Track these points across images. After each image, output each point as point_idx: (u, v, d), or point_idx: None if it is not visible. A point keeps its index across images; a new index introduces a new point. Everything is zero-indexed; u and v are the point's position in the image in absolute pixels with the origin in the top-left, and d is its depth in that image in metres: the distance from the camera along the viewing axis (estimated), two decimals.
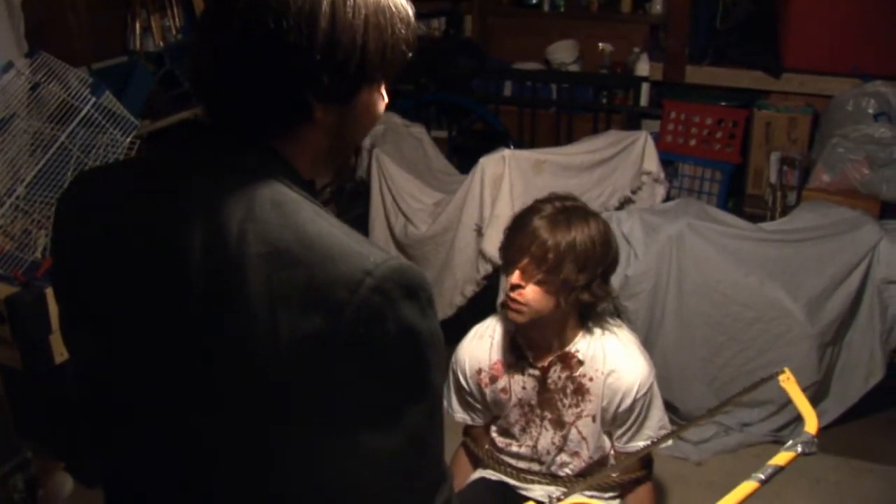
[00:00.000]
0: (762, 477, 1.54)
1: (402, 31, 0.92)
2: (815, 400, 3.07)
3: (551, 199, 1.86)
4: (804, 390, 2.91)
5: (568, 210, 1.81)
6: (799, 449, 1.59)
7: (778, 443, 3.05)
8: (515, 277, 1.79)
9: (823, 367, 2.99)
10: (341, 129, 0.94)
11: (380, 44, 0.90)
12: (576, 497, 1.51)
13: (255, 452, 0.85)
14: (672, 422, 3.16)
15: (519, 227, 1.82)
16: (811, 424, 1.65)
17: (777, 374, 1.83)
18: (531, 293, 1.78)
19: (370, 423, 0.82)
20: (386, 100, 0.98)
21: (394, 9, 0.92)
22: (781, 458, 1.58)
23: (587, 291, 1.78)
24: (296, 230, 0.82)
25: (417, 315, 0.83)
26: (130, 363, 0.90)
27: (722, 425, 3.10)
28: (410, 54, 0.94)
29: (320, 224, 0.84)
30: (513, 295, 1.79)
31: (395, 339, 0.81)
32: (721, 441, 3.05)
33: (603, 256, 1.79)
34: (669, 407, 3.11)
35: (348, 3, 0.87)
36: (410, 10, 0.95)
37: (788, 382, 1.79)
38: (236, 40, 0.86)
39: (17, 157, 2.78)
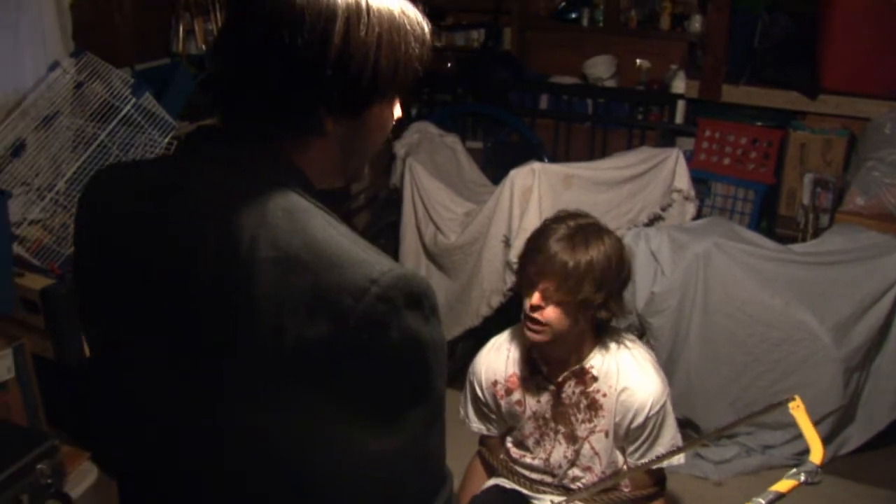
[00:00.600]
0: (762, 502, 1.54)
1: (416, 49, 0.95)
2: (840, 425, 3.05)
3: (563, 217, 1.88)
4: (828, 415, 2.92)
5: (583, 228, 1.83)
6: (802, 478, 1.60)
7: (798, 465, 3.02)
8: (535, 299, 1.81)
9: (849, 392, 2.97)
10: (352, 142, 0.97)
11: (392, 61, 0.92)
12: None
13: (257, 449, 0.87)
14: (690, 439, 3.17)
15: (536, 248, 1.83)
16: (816, 455, 1.66)
17: (787, 400, 1.83)
18: (551, 313, 1.80)
19: (372, 426, 0.84)
20: (399, 114, 1.00)
21: (408, 27, 0.94)
22: (783, 485, 1.59)
23: (604, 308, 1.80)
24: (305, 237, 0.85)
25: (421, 323, 0.86)
26: (139, 357, 0.93)
27: (744, 446, 3.08)
28: (422, 70, 0.97)
29: (329, 232, 0.86)
30: (534, 315, 1.81)
31: (398, 346, 0.84)
32: (742, 462, 3.04)
33: (618, 273, 1.82)
34: (691, 425, 3.10)
35: (363, 20, 0.89)
36: (426, 27, 0.97)
37: (798, 410, 1.79)
38: (252, 53, 0.89)
39: (59, 154, 2.86)
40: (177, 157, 0.99)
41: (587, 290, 1.76)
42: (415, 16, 0.96)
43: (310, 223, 0.86)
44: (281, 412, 0.84)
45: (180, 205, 0.91)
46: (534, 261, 1.82)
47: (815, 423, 2.91)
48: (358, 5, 0.89)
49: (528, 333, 1.83)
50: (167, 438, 0.94)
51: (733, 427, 1.99)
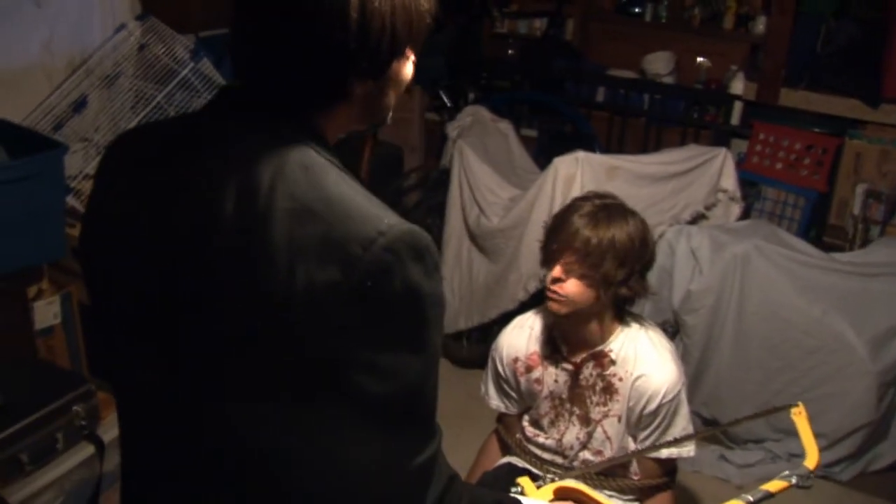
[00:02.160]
0: (750, 499, 1.56)
1: (426, 4, 1.01)
2: (872, 441, 3.01)
3: (590, 197, 1.93)
4: (859, 428, 2.89)
5: (608, 207, 1.87)
6: (794, 480, 1.62)
7: (826, 478, 2.99)
8: (557, 271, 1.85)
9: (883, 407, 2.93)
10: (374, 100, 1.02)
11: (407, 21, 0.97)
12: (568, 481, 1.55)
13: (262, 387, 0.92)
14: (718, 441, 3.16)
15: (560, 223, 1.88)
16: (811, 460, 1.68)
17: (789, 406, 1.84)
18: (572, 286, 1.83)
19: (367, 369, 0.89)
20: (413, 60, 1.05)
21: None
22: (774, 485, 1.61)
23: (625, 286, 1.84)
24: (320, 190, 0.91)
25: (422, 276, 0.91)
26: (156, 303, 0.97)
27: (770, 452, 3.06)
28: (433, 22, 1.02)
29: (342, 187, 0.92)
30: (554, 287, 1.86)
31: (400, 294, 0.89)
32: (766, 468, 3.01)
33: (641, 253, 1.85)
34: (719, 426, 3.09)
35: None
36: None
37: (800, 417, 1.80)
38: (274, 39, 0.93)
39: (118, 112, 2.96)
40: (202, 116, 1.04)
41: (608, 266, 1.80)
42: None
43: (325, 178, 0.92)
44: (286, 349, 0.89)
45: (202, 161, 0.96)
46: (557, 235, 1.87)
47: (845, 436, 2.91)
48: None
49: (550, 304, 1.88)
50: (178, 381, 0.98)
51: (732, 425, 2.00)
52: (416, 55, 1.04)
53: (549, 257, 1.90)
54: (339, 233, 0.88)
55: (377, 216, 0.90)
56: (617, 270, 1.81)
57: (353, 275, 0.86)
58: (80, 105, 2.90)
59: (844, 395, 2.89)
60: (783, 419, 2.94)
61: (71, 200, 2.68)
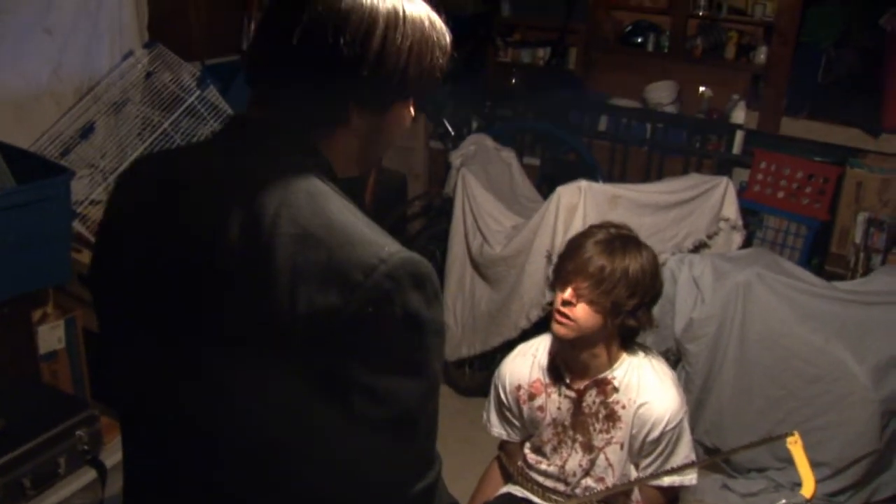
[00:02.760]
0: None
1: (440, 60, 1.05)
2: (875, 471, 2.99)
3: (606, 225, 1.95)
4: (863, 457, 2.88)
5: (624, 237, 1.90)
6: None
7: None
8: (568, 294, 1.87)
9: (886, 436, 2.91)
10: (373, 135, 1.05)
11: (419, 68, 1.02)
12: None
13: (259, 410, 0.93)
14: (720, 470, 3.15)
15: (576, 248, 1.90)
16: (808, 489, 1.70)
17: (785, 435, 1.85)
18: (581, 311, 1.85)
19: (366, 393, 0.90)
20: (413, 114, 1.09)
21: (435, 39, 1.04)
22: None
23: (633, 317, 1.85)
24: (323, 217, 0.93)
25: (422, 303, 0.93)
26: (161, 323, 1.00)
27: (773, 481, 3.05)
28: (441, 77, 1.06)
29: (345, 214, 0.95)
30: (563, 310, 1.87)
31: (400, 321, 0.91)
32: (769, 497, 3.00)
33: (651, 285, 1.87)
34: (717, 454, 3.08)
35: (399, 28, 0.99)
36: (448, 38, 1.06)
37: (795, 446, 1.82)
38: (296, 48, 0.97)
39: (125, 139, 2.99)
40: (210, 144, 1.08)
41: (619, 294, 1.83)
42: (440, 27, 1.05)
43: (329, 205, 0.95)
44: (285, 374, 0.90)
45: (211, 185, 0.99)
46: (571, 259, 1.89)
47: (849, 465, 2.90)
48: (396, 14, 0.99)
49: (556, 326, 1.89)
50: (181, 397, 1.00)
51: (730, 454, 2.00)
52: (418, 105, 1.08)
53: (561, 280, 1.91)
54: (340, 259, 0.89)
55: (378, 243, 0.92)
56: (627, 300, 1.83)
57: (354, 301, 0.88)
58: (87, 131, 2.93)
59: (847, 423, 2.88)
60: (786, 449, 2.95)
61: (77, 226, 2.71)
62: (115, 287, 1.07)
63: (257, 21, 3.95)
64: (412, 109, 1.08)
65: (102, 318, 1.12)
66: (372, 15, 0.97)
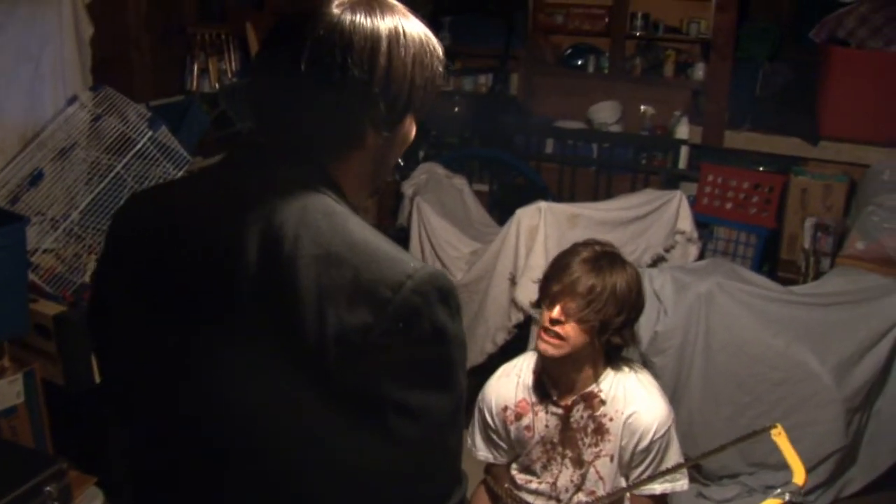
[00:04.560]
0: None
1: (439, 68, 1.06)
2: (843, 467, 3.05)
3: (591, 243, 1.97)
4: (830, 455, 2.93)
5: (609, 255, 1.92)
6: (787, 497, 1.66)
7: None
8: (556, 313, 1.87)
9: (851, 433, 2.98)
10: (384, 154, 1.06)
11: (423, 78, 1.03)
12: None
13: (290, 431, 0.92)
14: (693, 479, 3.17)
15: (563, 266, 1.91)
16: (799, 476, 1.73)
17: (769, 427, 1.88)
18: (570, 329, 1.85)
19: (399, 409, 0.90)
20: (415, 128, 1.09)
21: (432, 48, 1.05)
22: (769, 503, 1.63)
23: (619, 334, 1.86)
24: (344, 236, 0.93)
25: (448, 318, 0.93)
26: (182, 355, 0.98)
27: (746, 486, 3.09)
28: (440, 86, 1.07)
29: (366, 233, 0.95)
30: (552, 329, 1.87)
31: (428, 336, 0.91)
32: (744, 502, 3.04)
33: (636, 301, 1.89)
34: (693, 465, 3.11)
35: (401, 42, 1.00)
36: (441, 50, 1.07)
37: (780, 437, 1.85)
38: (306, 72, 0.97)
39: (74, 185, 2.92)
40: (218, 169, 1.06)
41: (607, 312, 1.83)
42: (434, 40, 1.07)
43: (348, 224, 0.95)
44: (316, 395, 0.89)
45: (224, 211, 0.98)
46: (559, 278, 1.89)
47: (818, 464, 2.95)
48: (397, 29, 1.01)
49: (543, 346, 1.88)
50: (207, 425, 0.98)
51: (716, 453, 2.03)
52: (420, 116, 1.08)
53: (548, 299, 1.91)
54: (367, 277, 0.89)
55: (402, 260, 0.92)
56: (615, 317, 1.84)
57: (384, 317, 0.88)
58: (35, 178, 2.86)
59: (814, 423, 2.93)
60: (757, 452, 3.00)
61: (30, 275, 2.63)
62: (124, 321, 1.04)
63: (200, 62, 3.93)
64: (414, 121, 1.09)
65: (110, 355, 1.08)
66: (375, 33, 0.98)
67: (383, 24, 1.00)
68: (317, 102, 0.98)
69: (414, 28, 1.04)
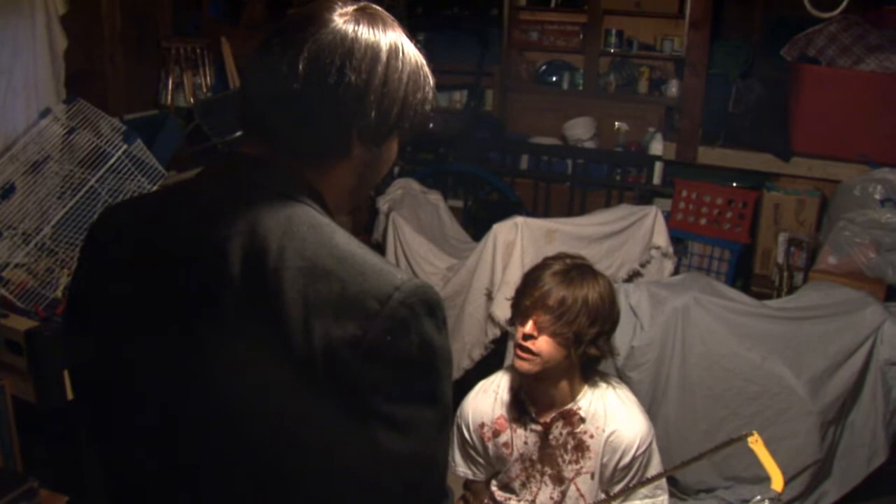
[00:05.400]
0: None
1: (430, 94, 1.06)
2: (817, 480, 3.07)
3: (561, 256, 1.96)
4: (806, 468, 2.95)
5: (580, 267, 1.91)
6: None
7: None
8: (529, 328, 1.86)
9: (825, 445, 3.00)
10: (367, 170, 1.05)
11: (415, 98, 1.03)
12: None
13: (275, 447, 0.90)
14: (671, 494, 3.17)
15: (534, 281, 1.90)
16: (777, 483, 1.75)
17: (745, 435, 1.89)
18: (543, 344, 1.84)
19: (386, 422, 0.89)
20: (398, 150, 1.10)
21: (426, 72, 1.06)
22: None
23: (594, 346, 1.85)
24: (331, 249, 0.92)
25: (435, 331, 0.93)
26: (162, 367, 0.96)
27: (722, 500, 3.09)
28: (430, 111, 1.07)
29: (352, 245, 0.94)
30: (525, 344, 1.86)
31: (416, 348, 0.90)
32: None
33: (610, 312, 1.88)
34: (670, 479, 3.11)
35: (400, 57, 1.01)
36: (432, 79, 1.08)
37: (757, 444, 1.86)
38: (303, 77, 0.96)
39: (46, 199, 2.88)
40: (199, 179, 1.04)
41: (580, 324, 1.83)
42: (427, 68, 1.07)
43: (334, 237, 0.94)
44: (303, 409, 0.88)
45: (205, 222, 0.96)
46: (530, 293, 1.89)
47: (793, 477, 2.97)
48: (397, 45, 1.01)
49: (518, 363, 1.87)
50: (187, 439, 0.96)
51: (695, 461, 2.03)
52: (405, 137, 1.08)
53: (521, 314, 1.90)
54: (355, 289, 0.88)
55: (390, 272, 0.92)
56: (588, 329, 1.83)
57: (372, 329, 0.87)
58: (7, 192, 2.82)
59: (789, 437, 2.95)
60: (733, 466, 3.01)
61: (1, 290, 2.59)
62: (104, 332, 1.02)
63: (174, 76, 3.91)
64: (398, 143, 1.08)
65: (88, 368, 1.06)
66: (376, 44, 0.99)
67: (385, 38, 1.00)
68: (309, 103, 0.97)
69: (412, 49, 1.05)
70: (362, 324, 0.87)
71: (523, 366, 1.86)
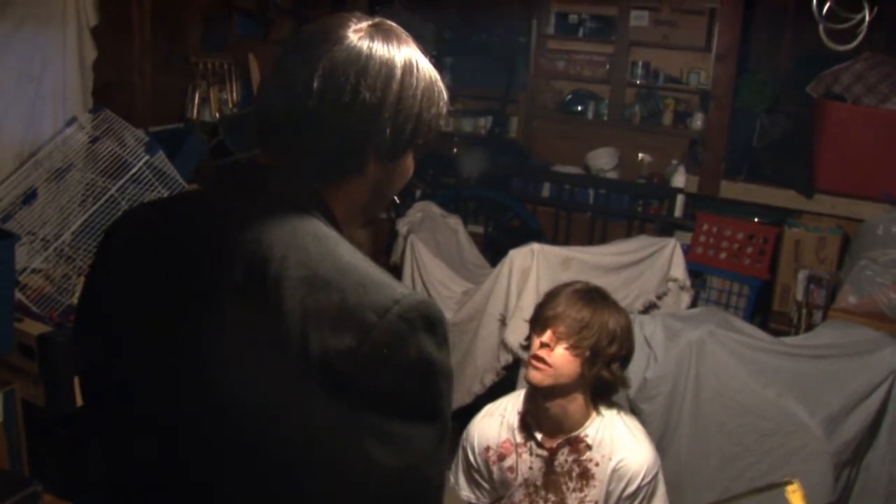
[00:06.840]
0: None
1: (443, 109, 1.07)
2: None
3: (582, 282, 2.00)
4: None
5: (600, 292, 1.95)
6: None
7: None
8: (547, 337, 1.86)
9: (839, 487, 2.94)
10: (382, 186, 1.05)
11: (430, 114, 1.04)
12: None
13: (270, 457, 0.90)
14: None
15: (554, 296, 1.93)
16: None
17: (785, 482, 1.83)
18: (559, 356, 1.84)
19: (380, 437, 0.88)
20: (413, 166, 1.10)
21: (440, 88, 1.07)
22: None
23: (608, 369, 1.84)
24: (333, 260, 0.92)
25: (434, 347, 0.91)
26: (164, 370, 0.96)
27: None
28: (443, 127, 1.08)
29: (356, 257, 0.94)
30: (540, 353, 1.85)
31: (413, 363, 0.89)
32: None
33: (626, 339, 1.89)
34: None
35: (414, 74, 1.01)
36: (446, 93, 1.08)
37: (794, 495, 1.80)
38: (318, 91, 0.97)
39: (67, 206, 2.92)
40: (213, 188, 1.06)
41: (598, 341, 1.84)
42: (441, 83, 1.08)
43: (337, 248, 0.94)
44: (299, 418, 0.87)
45: (212, 229, 0.97)
46: (551, 306, 1.90)
47: None
48: (411, 61, 1.02)
49: (531, 373, 1.86)
50: (187, 445, 0.96)
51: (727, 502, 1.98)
52: (419, 153, 1.08)
53: (539, 324, 1.91)
54: (353, 301, 0.88)
55: (390, 286, 0.91)
56: (606, 348, 1.84)
57: (368, 342, 0.86)
58: (29, 197, 2.85)
59: (802, 476, 2.86)
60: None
61: (17, 294, 2.61)
62: (116, 333, 1.02)
63: (201, 91, 3.95)
64: (412, 159, 1.08)
65: (99, 368, 1.06)
66: (391, 61, 0.99)
67: (399, 54, 1.01)
68: (324, 121, 0.97)
69: (426, 64, 1.05)
70: (359, 335, 0.86)
71: (536, 376, 1.85)
